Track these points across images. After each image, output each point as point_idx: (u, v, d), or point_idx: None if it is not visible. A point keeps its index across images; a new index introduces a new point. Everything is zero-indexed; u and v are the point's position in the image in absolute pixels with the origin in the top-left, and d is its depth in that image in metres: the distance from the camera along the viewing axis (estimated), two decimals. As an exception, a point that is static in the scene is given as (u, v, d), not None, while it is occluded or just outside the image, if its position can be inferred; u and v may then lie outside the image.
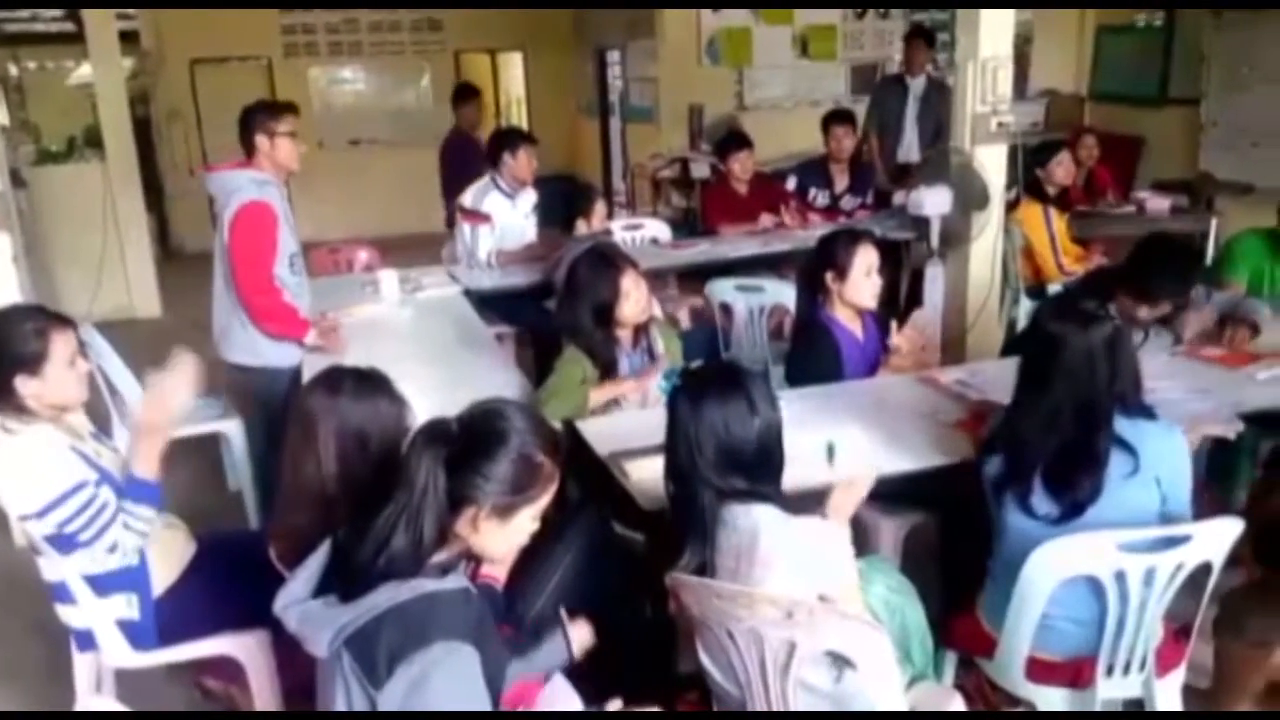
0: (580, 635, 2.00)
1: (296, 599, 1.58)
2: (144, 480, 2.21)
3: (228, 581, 2.32)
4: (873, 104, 6.45)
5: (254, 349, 3.39)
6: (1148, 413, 2.09)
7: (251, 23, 9.37)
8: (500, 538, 1.63)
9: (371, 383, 1.95)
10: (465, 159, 5.74)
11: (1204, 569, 1.97)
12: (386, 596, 1.49)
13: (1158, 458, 2.03)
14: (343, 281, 4.58)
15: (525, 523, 1.65)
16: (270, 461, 2.23)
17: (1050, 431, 2.04)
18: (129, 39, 8.36)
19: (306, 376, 2.52)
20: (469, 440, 1.59)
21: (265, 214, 3.30)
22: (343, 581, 1.55)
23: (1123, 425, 2.03)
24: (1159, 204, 5.71)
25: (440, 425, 1.61)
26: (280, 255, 3.34)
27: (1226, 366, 2.95)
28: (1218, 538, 1.94)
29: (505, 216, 4.62)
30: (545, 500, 1.66)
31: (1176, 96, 7.79)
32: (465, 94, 6.55)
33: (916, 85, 6.13)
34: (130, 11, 8.46)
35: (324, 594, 1.57)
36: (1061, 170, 4.84)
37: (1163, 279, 3.03)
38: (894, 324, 3.19)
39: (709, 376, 1.95)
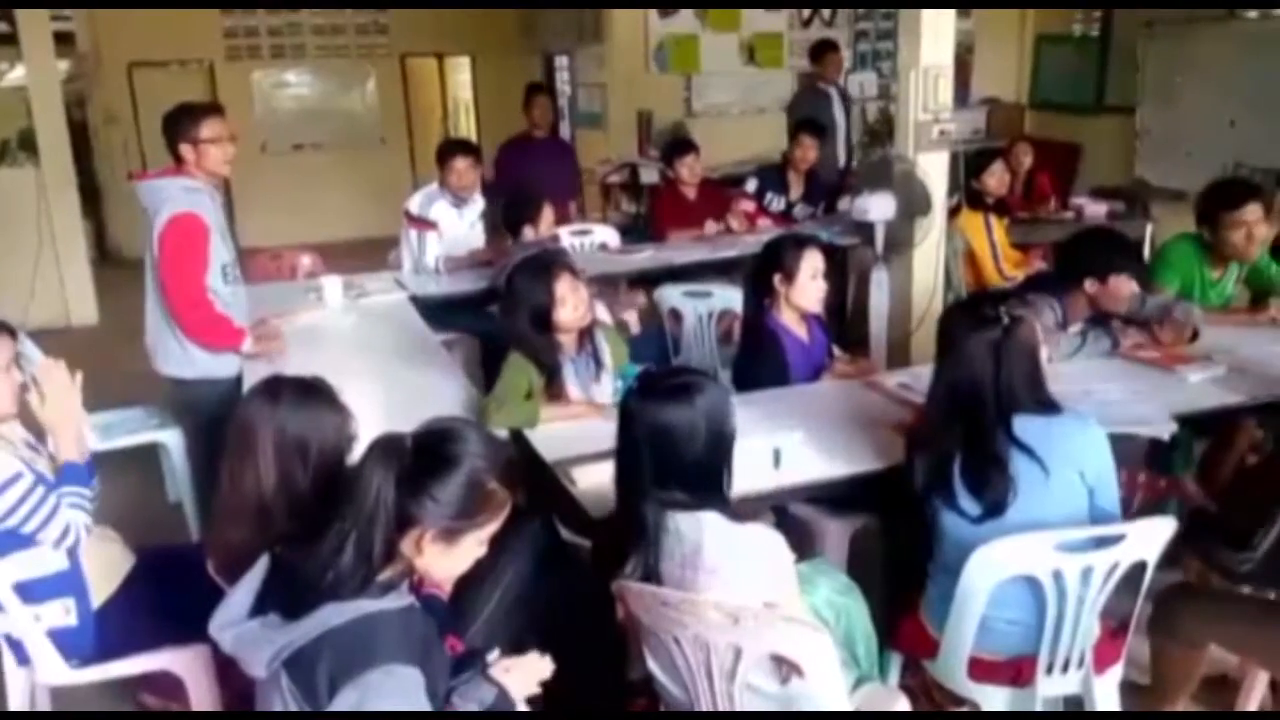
0: (525, 676, 1.82)
1: (233, 619, 1.55)
2: (72, 463, 2.21)
3: (167, 595, 2.27)
4: (797, 113, 6.45)
5: (189, 361, 3.30)
6: (1053, 408, 2.10)
7: (192, 25, 9.20)
8: (444, 561, 1.61)
9: (312, 392, 1.92)
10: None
11: (1139, 567, 2.01)
12: (326, 617, 1.46)
13: (1074, 452, 2.06)
14: (285, 288, 4.51)
15: (471, 548, 1.62)
16: (210, 474, 2.18)
17: (950, 430, 2.10)
18: (64, 40, 8.16)
19: (248, 385, 2.48)
20: (421, 460, 1.56)
21: (194, 225, 3.19)
22: (286, 598, 1.52)
23: (1031, 425, 2.05)
24: (1096, 210, 5.86)
25: (394, 441, 1.58)
26: (212, 265, 3.24)
27: (1162, 368, 3.03)
28: (1152, 536, 1.99)
29: (451, 226, 4.60)
30: (493, 527, 1.63)
31: (1113, 105, 8.00)
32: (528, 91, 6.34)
33: (835, 92, 6.26)
34: (66, 12, 8.26)
35: (262, 612, 1.54)
36: (994, 180, 4.94)
37: (1109, 256, 3.12)
38: (836, 350, 3.26)
39: (664, 381, 1.93)
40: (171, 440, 3.61)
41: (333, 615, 1.47)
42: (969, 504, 2.08)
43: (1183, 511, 3.07)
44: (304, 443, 1.86)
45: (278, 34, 9.75)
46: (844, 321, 5.25)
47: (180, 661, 2.29)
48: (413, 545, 1.56)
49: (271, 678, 1.48)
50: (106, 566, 2.32)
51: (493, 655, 1.91)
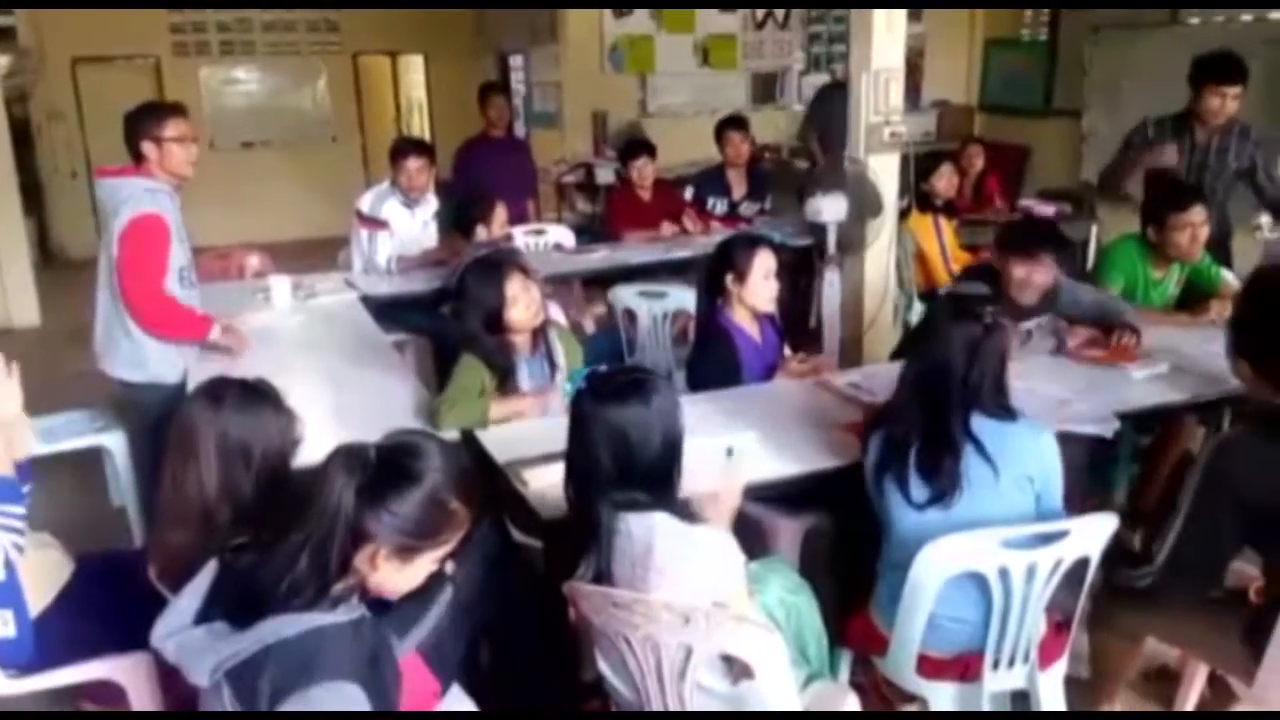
0: None
1: (177, 626, 1.51)
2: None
3: (108, 602, 2.22)
4: (814, 110, 6.52)
5: (139, 363, 3.24)
6: (1009, 414, 2.13)
7: (138, 20, 9.01)
8: (397, 578, 1.58)
9: (256, 394, 1.89)
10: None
11: (1082, 563, 2.05)
12: (273, 629, 1.44)
13: (1025, 458, 2.09)
14: (232, 288, 4.42)
15: (425, 566, 1.60)
16: (155, 479, 2.14)
17: (907, 413, 2.14)
18: (5, 35, 7.98)
19: (193, 388, 2.43)
20: (383, 473, 1.53)
21: (157, 227, 3.14)
22: (236, 606, 1.49)
23: (984, 427, 2.08)
24: (1044, 211, 5.96)
25: (358, 452, 1.54)
26: (171, 269, 3.19)
27: (1105, 366, 3.09)
28: (1094, 533, 2.02)
29: (403, 226, 4.55)
30: (450, 547, 1.61)
31: (1060, 108, 8.15)
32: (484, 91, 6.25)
33: None
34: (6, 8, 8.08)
35: (208, 619, 1.50)
36: (943, 183, 5.01)
37: (1030, 233, 3.34)
38: (787, 351, 3.28)
39: (613, 380, 1.92)
40: (115, 444, 3.53)
41: (280, 627, 1.44)
42: (918, 488, 2.10)
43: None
44: (247, 446, 1.83)
45: (227, 30, 9.61)
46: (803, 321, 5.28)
47: (122, 670, 2.24)
48: (367, 561, 1.53)
49: (214, 688, 1.45)
50: (44, 574, 2.26)
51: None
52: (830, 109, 6.14)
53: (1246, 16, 6.75)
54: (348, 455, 1.53)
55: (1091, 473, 3.18)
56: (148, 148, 3.18)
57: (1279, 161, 4.19)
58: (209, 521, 1.79)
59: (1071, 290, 3.46)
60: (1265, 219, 4.56)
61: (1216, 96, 3.91)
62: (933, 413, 2.10)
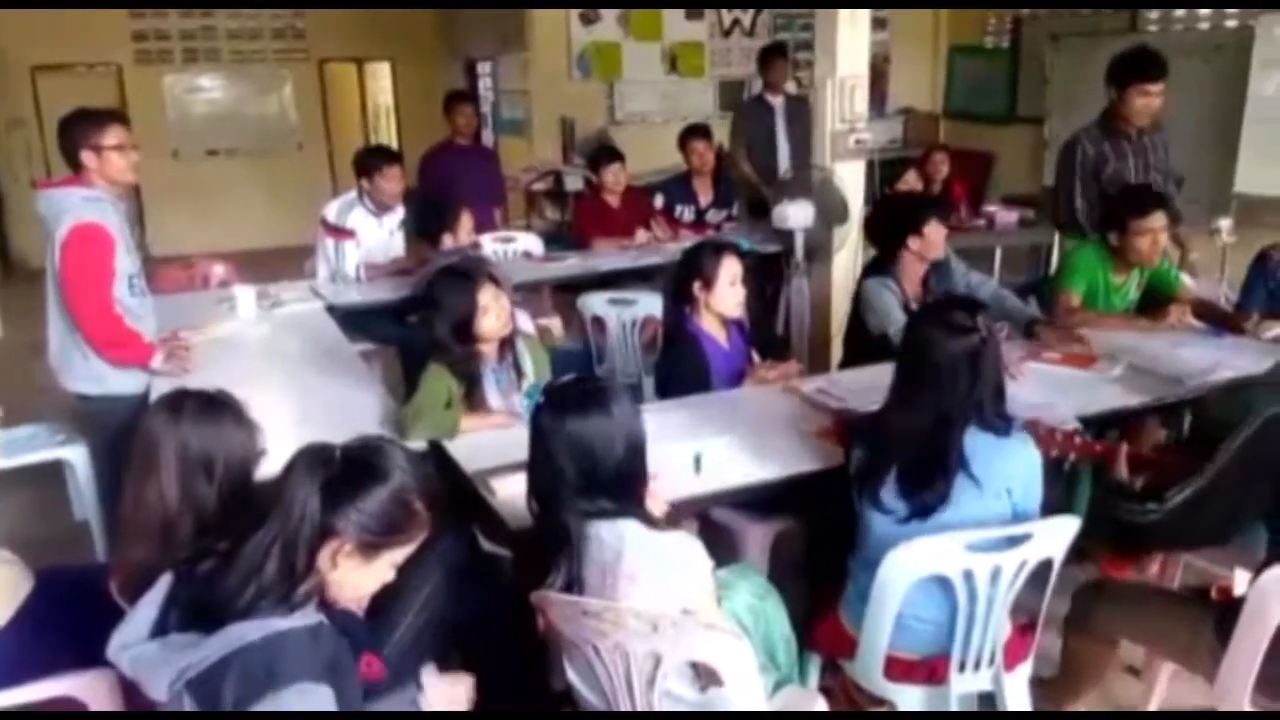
0: (453, 693, 1.88)
1: (133, 639, 1.50)
2: None
3: (69, 618, 2.17)
4: (737, 125, 6.46)
5: (96, 377, 3.18)
6: (1005, 427, 2.12)
7: (99, 27, 8.92)
8: (355, 577, 1.59)
9: (217, 406, 1.87)
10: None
11: (1046, 565, 2.07)
12: (232, 637, 1.42)
13: (1012, 472, 2.08)
14: (196, 298, 4.38)
15: (384, 568, 1.61)
16: (117, 493, 2.11)
17: (910, 433, 2.09)
18: (-38, 43, 7.85)
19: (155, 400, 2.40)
20: (349, 470, 1.55)
21: (99, 236, 3.08)
22: (196, 616, 1.47)
23: (980, 441, 2.07)
24: (1007, 217, 6.03)
25: (322, 451, 1.56)
26: (118, 277, 3.13)
27: (1068, 369, 3.13)
28: (1057, 535, 2.05)
29: (371, 235, 4.53)
30: (409, 549, 1.63)
31: (1023, 115, 8.26)
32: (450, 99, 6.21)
33: (779, 103, 6.16)
34: (-37, 14, 7.97)
35: (164, 631, 1.49)
36: (905, 189, 5.06)
37: (913, 211, 3.51)
38: (755, 356, 3.30)
39: (571, 392, 1.93)
40: (77, 457, 3.48)
41: (241, 633, 1.43)
42: (903, 502, 2.09)
43: (1094, 495, 3.16)
44: (209, 458, 1.81)
45: (191, 38, 9.53)
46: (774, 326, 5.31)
47: (83, 687, 2.20)
48: (329, 558, 1.53)
49: (174, 700, 1.43)
50: (3, 590, 2.22)
51: (428, 671, 1.88)
52: (752, 124, 6.07)
53: (1203, 24, 6.88)
54: (312, 454, 1.56)
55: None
56: (87, 156, 3.11)
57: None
58: (171, 535, 1.77)
59: (965, 275, 3.60)
60: (1225, 223, 4.65)
61: (1141, 95, 3.96)
62: (935, 436, 2.06)
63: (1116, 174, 4.01)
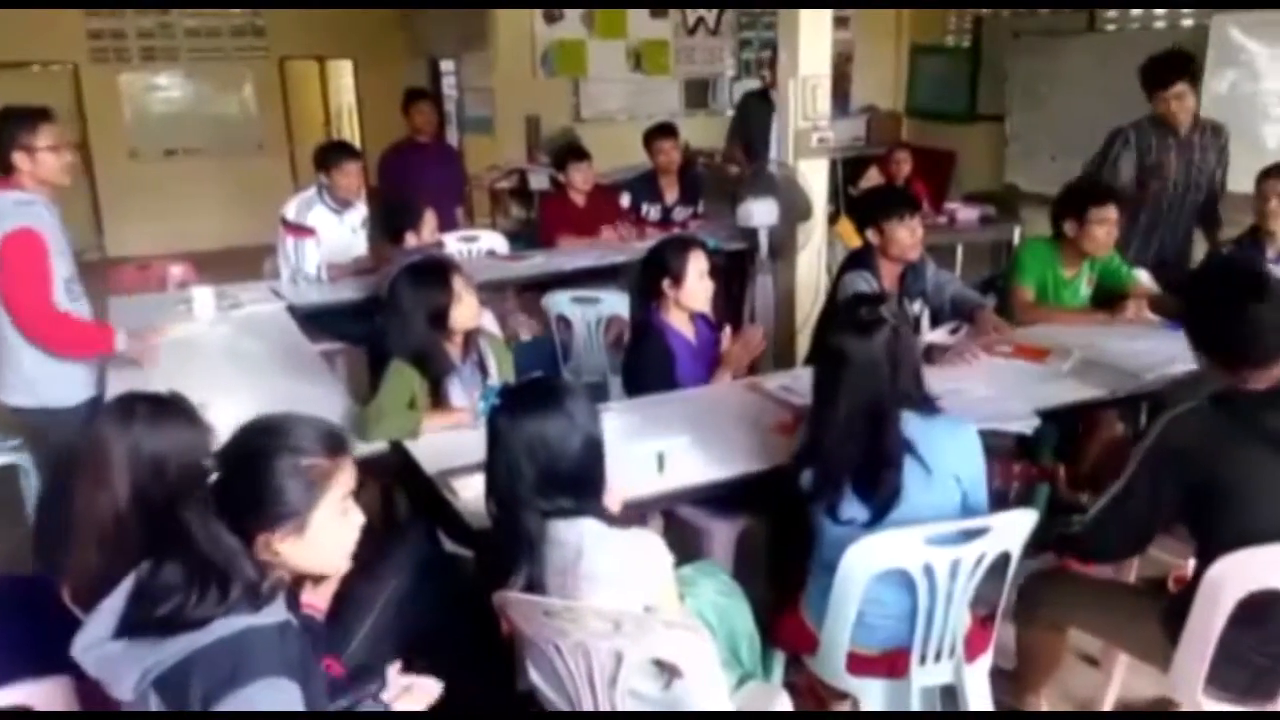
0: (418, 700, 1.83)
1: (96, 640, 1.47)
2: None
3: (20, 626, 2.14)
4: (738, 119, 6.52)
5: (29, 389, 3.11)
6: (932, 408, 2.15)
7: (54, 25, 8.75)
8: (307, 552, 1.54)
9: (169, 408, 1.84)
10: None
11: (1004, 558, 2.09)
12: (197, 635, 1.41)
13: (950, 455, 2.11)
14: (153, 299, 4.32)
15: (329, 522, 1.54)
16: (49, 507, 2.06)
17: (849, 440, 2.08)
18: (-89, 39, 7.68)
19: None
20: (231, 474, 1.50)
21: (32, 242, 2.99)
22: (159, 618, 1.45)
23: (913, 424, 2.09)
24: (969, 215, 6.09)
25: (194, 472, 1.52)
26: (55, 281, 3.06)
27: (1027, 361, 3.17)
28: (1015, 528, 2.07)
29: (331, 232, 4.49)
30: (338, 491, 1.55)
31: (984, 113, 8.35)
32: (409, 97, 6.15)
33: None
34: (-89, 10, 7.80)
35: (127, 632, 1.47)
36: (867, 186, 5.10)
37: (885, 205, 3.57)
38: (727, 330, 3.28)
39: (527, 392, 1.93)
40: (29, 463, 3.41)
41: (204, 632, 1.41)
42: (852, 509, 2.10)
43: (1054, 498, 3.22)
44: (160, 461, 1.78)
45: (148, 36, 9.38)
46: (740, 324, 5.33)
47: (38, 695, 2.15)
48: (266, 550, 1.50)
49: (139, 699, 1.42)
50: (-48, 598, 2.18)
51: (393, 669, 1.86)
52: (752, 117, 6.19)
53: (1159, 24, 6.99)
54: (187, 482, 1.51)
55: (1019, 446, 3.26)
56: (19, 158, 3.03)
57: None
58: (123, 540, 1.74)
59: (936, 275, 3.64)
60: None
61: (1167, 101, 4.06)
62: (871, 431, 2.07)
63: (1158, 165, 4.11)
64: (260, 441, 1.52)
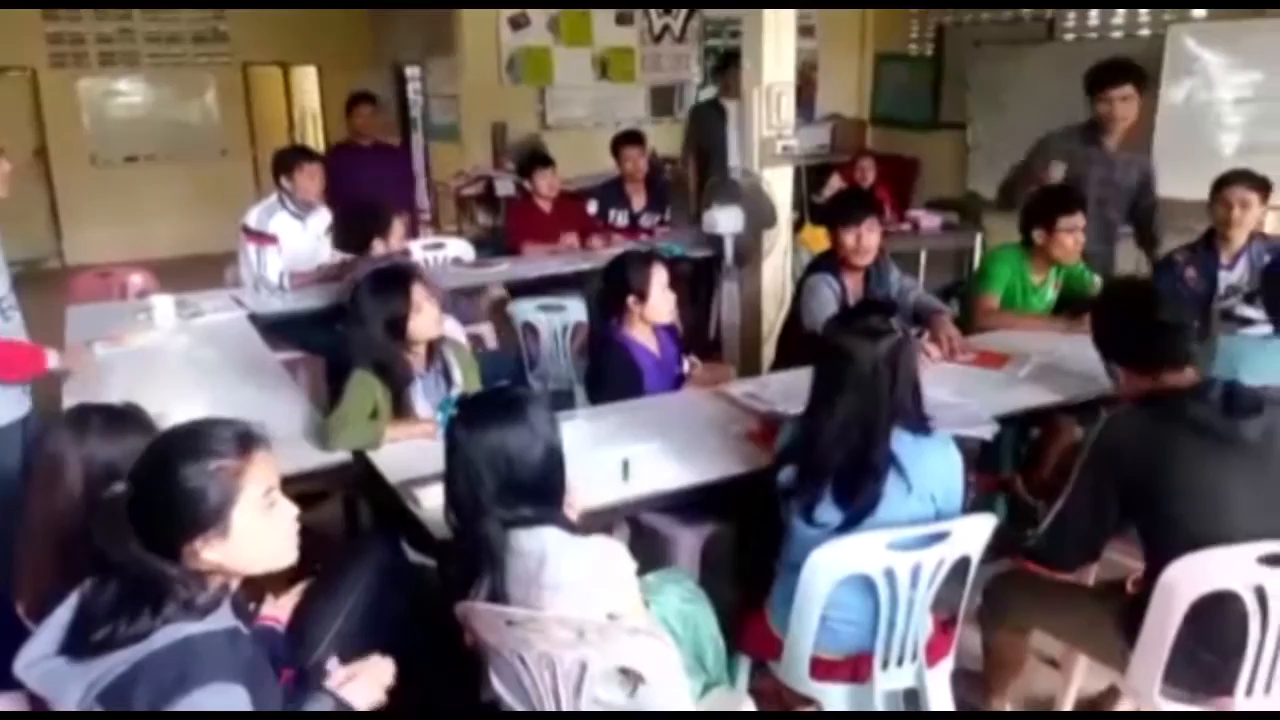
0: (369, 684, 1.82)
1: (40, 656, 1.45)
2: None
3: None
4: (691, 128, 6.52)
5: None
6: (925, 427, 2.16)
7: (12, 30, 8.61)
8: (237, 551, 1.50)
9: (123, 419, 1.81)
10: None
11: (964, 562, 2.11)
12: (140, 646, 1.39)
13: (934, 476, 2.11)
14: (112, 308, 4.26)
15: (255, 515, 1.50)
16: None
17: (840, 442, 2.09)
18: None
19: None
20: (139, 495, 1.46)
21: None
22: (96, 631, 1.43)
23: (902, 440, 2.09)
24: (931, 221, 6.16)
25: (113, 504, 1.46)
26: None
27: (985, 368, 3.20)
28: (975, 533, 2.09)
29: (294, 239, 4.45)
30: (256, 488, 1.51)
31: (947, 121, 8.44)
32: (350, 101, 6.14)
33: (734, 108, 6.25)
34: None
35: (72, 647, 1.44)
36: (830, 194, 5.15)
37: (848, 209, 3.64)
38: (694, 358, 3.30)
39: (486, 403, 1.92)
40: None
41: (147, 642, 1.40)
42: (828, 512, 2.10)
43: (1013, 505, 3.26)
44: (115, 473, 1.75)
45: (108, 41, 9.26)
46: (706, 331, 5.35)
47: (-9, 712, 2.13)
48: (196, 559, 1.47)
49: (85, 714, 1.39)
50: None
51: (331, 664, 1.84)
52: (706, 125, 6.20)
53: (1117, 34, 7.12)
54: (103, 512, 1.46)
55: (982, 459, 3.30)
56: None
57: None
58: (76, 553, 1.71)
59: (900, 279, 3.68)
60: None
61: (1103, 102, 4.11)
62: (862, 439, 2.07)
63: (1076, 178, 4.11)
64: (165, 453, 1.49)
